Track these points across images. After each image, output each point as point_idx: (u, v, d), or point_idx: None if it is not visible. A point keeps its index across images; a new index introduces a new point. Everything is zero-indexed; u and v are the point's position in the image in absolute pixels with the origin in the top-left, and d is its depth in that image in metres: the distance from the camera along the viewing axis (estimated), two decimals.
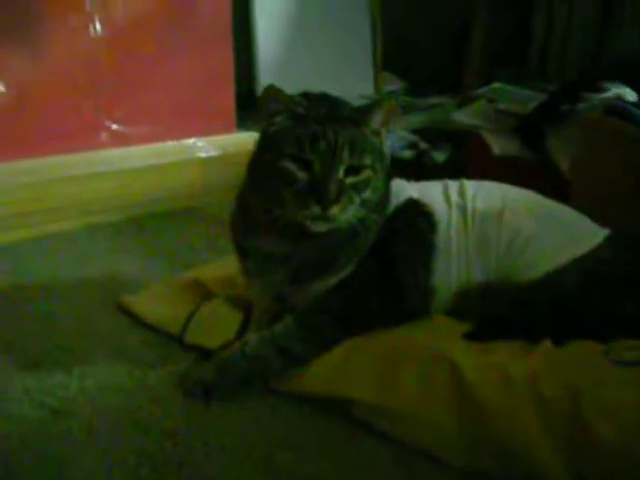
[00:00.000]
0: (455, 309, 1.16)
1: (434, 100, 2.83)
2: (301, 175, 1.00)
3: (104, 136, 1.95)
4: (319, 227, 1.02)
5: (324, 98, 1.07)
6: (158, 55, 2.00)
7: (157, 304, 1.30)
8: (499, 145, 2.03)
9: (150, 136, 2.00)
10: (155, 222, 1.78)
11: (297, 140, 1.00)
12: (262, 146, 1.07)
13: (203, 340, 1.17)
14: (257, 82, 2.65)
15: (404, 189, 1.19)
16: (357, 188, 1.02)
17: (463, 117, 2.22)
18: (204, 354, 1.15)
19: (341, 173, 1.00)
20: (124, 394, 1.05)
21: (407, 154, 2.33)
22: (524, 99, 2.24)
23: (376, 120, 1.06)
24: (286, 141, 1.01)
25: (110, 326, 1.26)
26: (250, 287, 1.20)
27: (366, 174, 1.03)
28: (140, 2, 1.96)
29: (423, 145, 2.40)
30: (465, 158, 2.24)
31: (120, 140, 1.96)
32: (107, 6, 1.91)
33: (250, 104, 2.48)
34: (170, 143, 2.03)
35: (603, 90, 2.01)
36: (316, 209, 0.98)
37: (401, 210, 1.15)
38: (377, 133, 1.07)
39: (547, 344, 1.03)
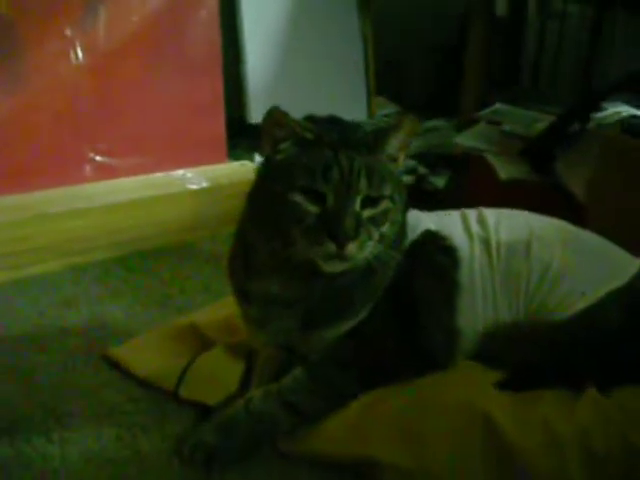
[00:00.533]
0: (481, 353, 1.05)
1: (431, 124, 2.74)
2: (312, 209, 0.88)
3: (88, 169, 1.84)
4: (334, 267, 0.90)
5: (334, 121, 0.97)
6: (144, 82, 1.90)
7: (148, 355, 1.18)
8: (505, 169, 1.93)
9: (137, 168, 1.90)
10: (144, 261, 1.65)
11: (307, 169, 0.88)
12: (266, 177, 0.95)
13: (201, 395, 1.05)
14: (248, 108, 2.55)
15: (420, 221, 1.07)
16: (375, 221, 0.91)
17: (465, 140, 2.12)
18: (203, 411, 1.02)
19: (358, 205, 0.89)
20: (112, 465, 0.92)
21: (406, 179, 2.23)
22: (529, 120, 2.15)
23: (393, 144, 0.94)
24: (294, 171, 0.89)
25: (96, 382, 1.13)
26: (253, 334, 1.07)
27: (385, 205, 0.91)
28: (124, 26, 1.87)
29: (422, 170, 2.31)
30: (467, 183, 2.14)
31: (105, 173, 1.85)
32: (89, 32, 1.81)
33: (241, 132, 2.39)
34: (158, 175, 1.93)
35: (600, 109, 1.92)
36: (331, 247, 0.86)
37: (419, 244, 1.04)
38: (394, 159, 0.96)
39: (593, 393, 0.92)
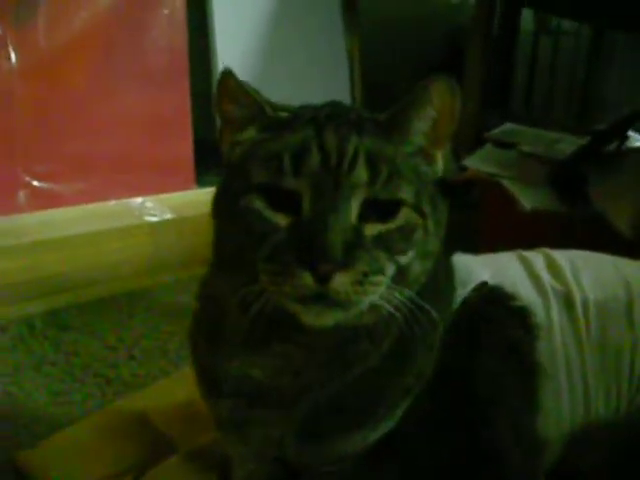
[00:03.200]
0: (564, 467, 0.72)
1: None
2: (279, 220, 0.56)
3: (21, 196, 1.57)
4: (318, 318, 0.56)
5: (332, 103, 0.66)
6: (93, 92, 1.67)
7: (73, 463, 0.84)
8: (529, 197, 1.66)
9: (83, 195, 1.63)
10: (83, 317, 1.31)
11: (269, 158, 0.57)
12: (223, 186, 0.64)
13: None
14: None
15: (469, 267, 0.74)
16: (388, 243, 0.57)
17: (476, 163, 1.83)
18: None
19: (353, 211, 0.56)
20: None
21: None
22: (547, 141, 1.92)
23: (418, 128, 0.62)
24: (251, 163, 0.59)
25: None
26: (225, 441, 0.72)
27: (405, 217, 0.58)
28: (69, 24, 1.63)
29: None
30: (480, 214, 1.85)
31: (43, 201, 1.59)
32: (25, 29, 1.50)
33: (211, 154, 2.09)
34: (109, 204, 1.65)
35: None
36: (306, 279, 0.53)
37: (476, 305, 0.70)
38: (425, 153, 0.63)
39: None
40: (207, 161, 1.94)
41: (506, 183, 1.75)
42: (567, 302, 0.74)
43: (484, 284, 0.73)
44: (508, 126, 2.08)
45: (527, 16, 3.13)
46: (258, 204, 0.57)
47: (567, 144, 1.85)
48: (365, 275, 0.54)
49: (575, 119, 3.21)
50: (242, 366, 0.64)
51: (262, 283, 0.55)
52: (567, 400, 0.70)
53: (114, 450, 0.85)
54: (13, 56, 1.50)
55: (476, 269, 0.75)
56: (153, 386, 1.05)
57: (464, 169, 1.92)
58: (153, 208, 1.64)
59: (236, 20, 2.24)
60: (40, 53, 1.55)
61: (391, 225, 0.57)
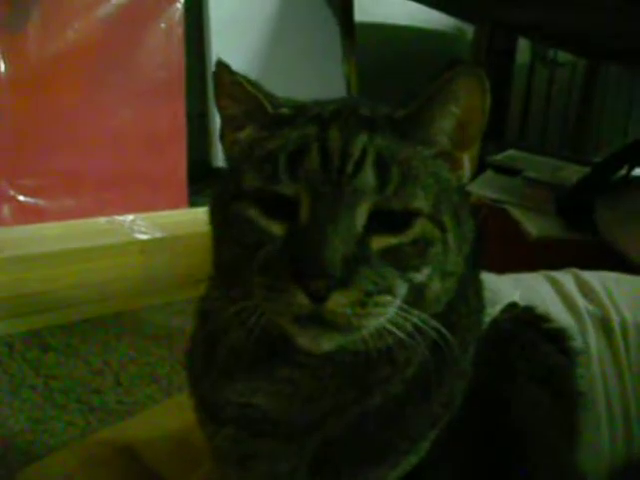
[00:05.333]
0: None
1: None
2: (274, 229, 0.50)
3: (6, 210, 1.50)
4: (314, 341, 0.49)
5: (344, 98, 0.61)
6: (87, 106, 1.61)
7: None
8: (536, 225, 1.62)
9: (71, 211, 1.56)
10: (66, 338, 1.22)
11: (264, 160, 0.51)
12: (219, 189, 0.57)
13: None
14: (214, 149, 2.23)
15: (498, 287, 0.67)
16: (398, 259, 0.50)
17: (479, 189, 1.78)
18: None
19: (358, 220, 0.49)
20: None
21: None
22: (550, 168, 1.89)
23: (442, 126, 0.55)
24: (247, 165, 0.52)
25: None
26: (225, 475, 0.64)
27: (419, 229, 0.51)
28: (62, 34, 1.57)
29: None
30: (484, 240, 1.79)
31: (29, 216, 1.52)
32: (16, 38, 1.45)
33: (206, 176, 2.06)
34: (99, 221, 1.56)
35: None
36: (300, 298, 0.46)
37: (506, 326, 0.63)
38: (449, 156, 0.55)
39: None
40: (200, 183, 1.91)
41: (511, 209, 1.71)
42: (604, 325, 0.68)
43: (514, 304, 0.66)
44: (511, 152, 2.05)
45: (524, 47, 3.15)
46: (251, 212, 0.51)
47: (570, 172, 1.82)
48: (368, 295, 0.47)
49: (570, 149, 3.20)
50: (244, 392, 0.56)
51: (256, 298, 0.49)
52: (607, 433, 0.64)
53: None
54: (3, 66, 1.44)
55: (503, 288, 0.68)
56: (141, 415, 0.97)
57: (467, 194, 1.88)
58: (144, 226, 1.57)
59: (234, 40, 2.19)
60: (31, 63, 1.49)
61: (403, 238, 0.50)
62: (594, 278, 0.74)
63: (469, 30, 2.99)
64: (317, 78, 2.63)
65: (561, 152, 2.85)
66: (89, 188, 1.60)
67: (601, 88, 3.23)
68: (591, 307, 0.69)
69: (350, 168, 0.49)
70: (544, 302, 0.68)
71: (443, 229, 0.52)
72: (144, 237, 1.51)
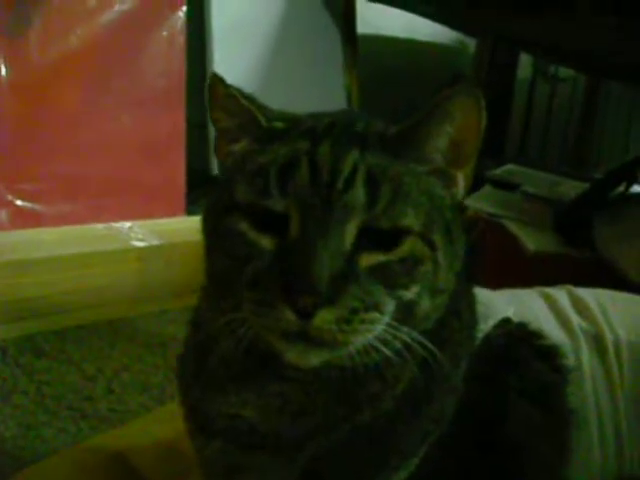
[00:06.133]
0: None
1: None
2: (264, 243, 0.51)
3: (3, 215, 1.48)
4: (301, 357, 0.50)
5: (341, 112, 0.63)
6: (87, 112, 1.60)
7: None
8: (534, 240, 1.62)
9: (68, 217, 1.55)
10: (60, 344, 1.21)
11: (255, 174, 0.52)
12: (212, 200, 0.57)
13: None
14: (213, 158, 2.21)
15: (491, 302, 0.67)
16: (387, 277, 0.50)
17: (477, 203, 1.79)
18: None
19: (347, 237, 0.49)
20: None
21: None
22: (548, 183, 1.90)
23: (437, 144, 0.54)
24: (238, 178, 0.53)
25: None
26: None
27: (409, 247, 0.51)
28: (63, 40, 1.55)
29: None
30: (480, 255, 1.79)
31: (25, 220, 1.50)
32: (18, 43, 1.45)
33: (204, 185, 2.04)
34: (97, 227, 1.55)
35: None
36: (287, 315, 0.47)
37: (498, 342, 0.63)
38: (443, 174, 0.55)
39: None
40: (198, 193, 1.90)
41: (509, 224, 1.71)
42: (597, 343, 0.67)
43: (508, 320, 0.66)
44: (509, 166, 2.05)
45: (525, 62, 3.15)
46: (242, 225, 0.51)
47: (568, 187, 1.82)
48: (354, 312, 0.47)
49: (570, 165, 3.21)
50: (234, 404, 0.56)
51: (245, 312, 0.49)
52: (598, 453, 0.64)
53: None
54: (3, 70, 1.43)
55: (496, 303, 0.68)
56: (133, 423, 0.97)
57: (464, 209, 1.88)
58: (141, 233, 1.56)
59: (236, 50, 2.20)
60: (32, 68, 1.48)
61: (392, 256, 0.50)
62: (589, 295, 0.74)
63: (471, 44, 3.00)
64: (318, 89, 2.62)
65: (561, 167, 2.86)
66: (87, 194, 1.58)
67: (602, 104, 3.24)
68: (585, 324, 0.69)
69: (340, 184, 0.49)
70: (537, 318, 0.68)
71: (433, 247, 0.52)
72: (141, 244, 1.51)
